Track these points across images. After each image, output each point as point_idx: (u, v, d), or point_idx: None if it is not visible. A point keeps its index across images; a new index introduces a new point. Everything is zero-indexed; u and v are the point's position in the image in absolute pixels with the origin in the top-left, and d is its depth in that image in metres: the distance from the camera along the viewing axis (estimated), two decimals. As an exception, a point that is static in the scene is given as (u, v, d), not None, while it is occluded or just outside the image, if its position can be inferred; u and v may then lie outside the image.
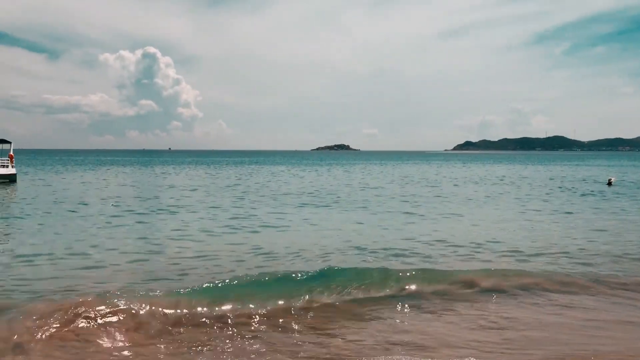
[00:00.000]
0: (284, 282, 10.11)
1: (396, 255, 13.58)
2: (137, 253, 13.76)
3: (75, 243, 14.94)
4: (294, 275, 10.51)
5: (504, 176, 56.83)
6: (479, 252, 14.06)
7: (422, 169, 77.40)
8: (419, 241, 15.60)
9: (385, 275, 10.73)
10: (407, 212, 22.86)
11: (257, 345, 7.35)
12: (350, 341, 7.56)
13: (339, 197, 30.53)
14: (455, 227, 18.83)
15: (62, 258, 12.92)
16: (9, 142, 42.37)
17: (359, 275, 10.65)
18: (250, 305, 8.82)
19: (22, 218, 20.70)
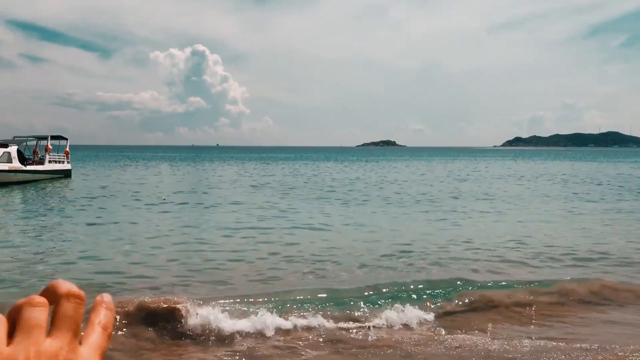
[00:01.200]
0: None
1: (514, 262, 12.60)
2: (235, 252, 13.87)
3: (144, 240, 15.22)
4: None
5: (569, 174, 53.71)
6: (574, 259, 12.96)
7: (483, 165, 75.47)
8: (523, 244, 14.55)
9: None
10: (484, 211, 22.00)
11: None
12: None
13: (407, 195, 30.11)
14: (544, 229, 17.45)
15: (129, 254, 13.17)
16: (66, 139, 43.67)
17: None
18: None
19: (83, 211, 21.30)
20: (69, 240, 15.09)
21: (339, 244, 14.31)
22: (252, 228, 17.01)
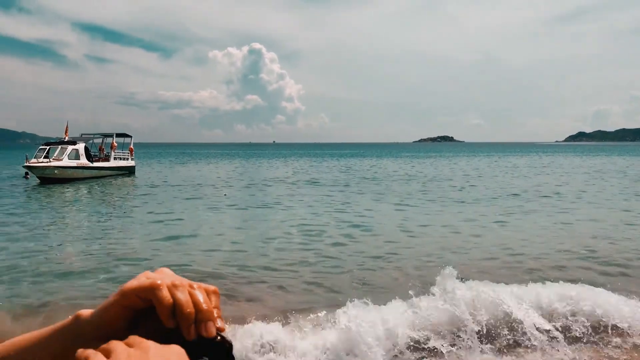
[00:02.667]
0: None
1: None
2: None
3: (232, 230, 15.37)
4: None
5: None
6: None
7: (558, 161, 73.02)
8: None
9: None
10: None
11: None
12: None
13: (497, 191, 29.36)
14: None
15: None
16: (130, 136, 45.01)
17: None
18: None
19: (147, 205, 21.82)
20: (136, 236, 15.36)
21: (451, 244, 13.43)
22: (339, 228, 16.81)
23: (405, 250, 12.72)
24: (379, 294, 8.88)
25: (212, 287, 0.73)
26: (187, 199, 24.80)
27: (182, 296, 0.69)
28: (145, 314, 0.72)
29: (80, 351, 0.66)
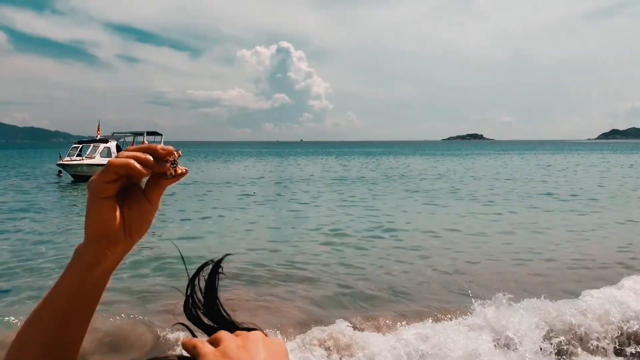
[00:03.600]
0: None
1: None
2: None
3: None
4: None
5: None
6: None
7: (596, 159, 71.47)
8: None
9: None
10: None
11: None
12: None
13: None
14: None
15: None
16: (160, 135, 45.43)
17: None
18: None
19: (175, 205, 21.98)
20: (165, 232, 15.41)
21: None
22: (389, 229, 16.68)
23: (451, 252, 12.46)
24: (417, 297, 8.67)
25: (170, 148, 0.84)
26: (217, 197, 24.96)
27: (134, 153, 0.79)
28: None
29: (186, 340, 0.69)
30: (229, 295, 8.27)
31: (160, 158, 0.81)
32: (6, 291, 9.14)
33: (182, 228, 15.94)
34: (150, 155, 0.80)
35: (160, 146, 0.82)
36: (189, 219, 17.69)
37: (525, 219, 17.14)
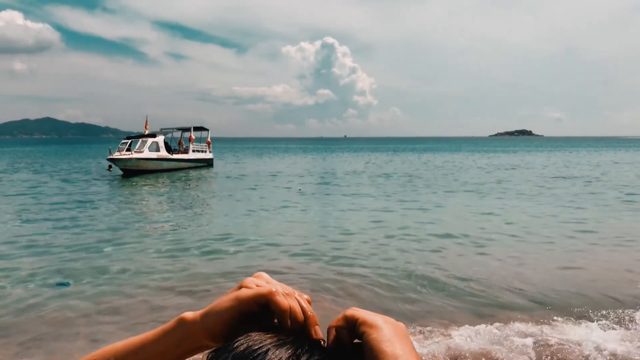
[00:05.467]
0: None
1: None
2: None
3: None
4: None
5: None
6: None
7: None
8: None
9: None
10: None
11: None
12: None
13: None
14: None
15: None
16: (207, 130, 46.01)
17: None
18: None
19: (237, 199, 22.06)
20: (214, 228, 15.39)
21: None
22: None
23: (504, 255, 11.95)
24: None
25: (306, 296, 0.81)
26: (263, 192, 24.97)
27: (294, 303, 0.77)
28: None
29: (350, 312, 0.76)
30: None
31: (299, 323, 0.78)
32: (64, 284, 9.21)
33: (229, 223, 15.87)
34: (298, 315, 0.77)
35: (314, 326, 0.79)
36: (237, 214, 17.69)
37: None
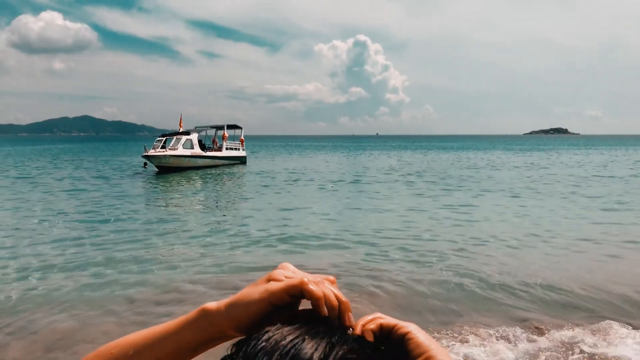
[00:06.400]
0: None
1: None
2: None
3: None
4: None
5: None
6: None
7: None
8: None
9: None
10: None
11: None
12: None
13: None
14: None
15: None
16: (240, 128, 46.45)
17: None
18: None
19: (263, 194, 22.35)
20: (248, 223, 15.59)
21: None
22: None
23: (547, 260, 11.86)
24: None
25: (331, 277, 0.81)
26: (295, 189, 25.22)
27: (327, 290, 0.77)
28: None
29: (384, 320, 0.77)
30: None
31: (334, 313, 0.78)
32: (100, 275, 9.51)
33: (262, 218, 16.07)
34: (335, 306, 0.77)
35: (350, 315, 0.78)
36: (270, 210, 17.91)
37: None
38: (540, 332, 6.81)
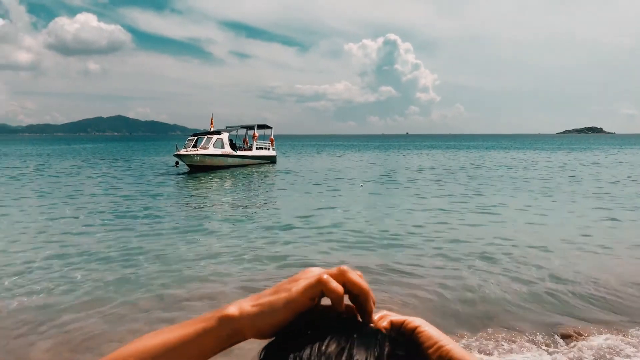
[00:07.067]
0: None
1: None
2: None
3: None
4: None
5: None
6: None
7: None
8: None
9: None
10: None
11: None
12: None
13: None
14: None
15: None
16: (270, 128, 46.70)
17: None
18: None
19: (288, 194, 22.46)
20: (278, 221, 15.68)
21: None
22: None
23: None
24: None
25: (343, 267, 0.78)
26: (325, 188, 25.20)
27: (354, 276, 0.75)
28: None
29: (393, 317, 0.78)
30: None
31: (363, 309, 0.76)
32: (130, 272, 9.68)
33: (291, 217, 16.08)
34: (363, 300, 0.76)
35: (371, 305, 0.77)
36: (299, 209, 17.93)
37: None
38: (578, 338, 6.66)
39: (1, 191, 23.34)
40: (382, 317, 0.79)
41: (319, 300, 0.76)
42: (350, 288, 0.74)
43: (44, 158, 56.81)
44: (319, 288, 0.73)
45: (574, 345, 6.38)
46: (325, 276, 0.74)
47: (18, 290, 8.53)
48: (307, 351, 0.69)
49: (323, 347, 0.69)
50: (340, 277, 0.75)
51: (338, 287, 0.73)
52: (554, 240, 12.40)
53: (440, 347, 0.75)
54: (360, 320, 0.76)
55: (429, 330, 0.76)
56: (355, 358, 0.67)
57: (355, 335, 0.71)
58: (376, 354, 0.68)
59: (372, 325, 0.76)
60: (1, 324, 7.11)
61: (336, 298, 0.73)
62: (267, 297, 0.76)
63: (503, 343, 6.46)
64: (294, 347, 0.70)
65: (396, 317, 0.79)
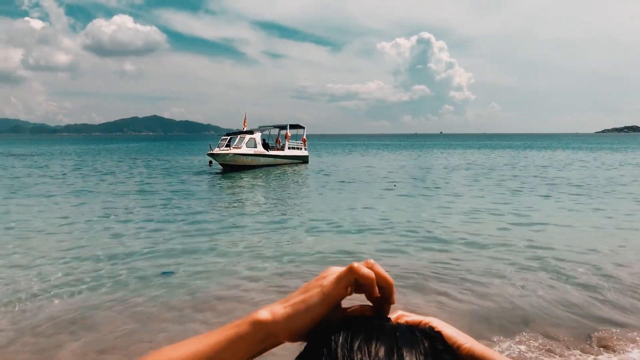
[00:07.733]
0: None
1: None
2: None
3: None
4: None
5: None
6: None
7: None
8: None
9: None
10: None
11: None
12: None
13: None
14: None
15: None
16: (303, 127, 46.74)
17: None
18: None
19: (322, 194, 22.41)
20: (311, 221, 15.62)
21: None
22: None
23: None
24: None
25: (370, 260, 0.79)
26: (357, 187, 25.14)
27: (380, 268, 0.75)
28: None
29: (410, 318, 0.79)
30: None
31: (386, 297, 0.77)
32: (168, 273, 9.74)
33: (324, 216, 16.01)
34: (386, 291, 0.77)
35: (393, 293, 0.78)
36: (332, 208, 17.86)
37: None
38: (617, 348, 6.40)
39: (45, 189, 23.91)
40: (399, 317, 0.79)
41: (352, 291, 0.75)
42: (377, 279, 0.74)
43: (83, 157, 58.16)
44: (352, 276, 0.73)
45: (613, 357, 6.14)
46: (357, 264, 0.74)
47: (50, 289, 8.59)
48: (356, 350, 0.66)
49: (372, 349, 0.66)
50: (368, 267, 0.75)
51: (370, 273, 0.73)
52: (596, 242, 11.97)
53: (460, 346, 0.76)
54: (381, 313, 0.77)
55: (446, 330, 0.78)
56: (405, 358, 0.66)
57: (398, 334, 0.70)
58: (422, 351, 0.67)
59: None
60: (32, 323, 7.14)
61: (369, 283, 0.74)
62: (298, 297, 0.75)
63: (536, 351, 6.25)
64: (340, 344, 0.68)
65: (412, 317, 0.79)
